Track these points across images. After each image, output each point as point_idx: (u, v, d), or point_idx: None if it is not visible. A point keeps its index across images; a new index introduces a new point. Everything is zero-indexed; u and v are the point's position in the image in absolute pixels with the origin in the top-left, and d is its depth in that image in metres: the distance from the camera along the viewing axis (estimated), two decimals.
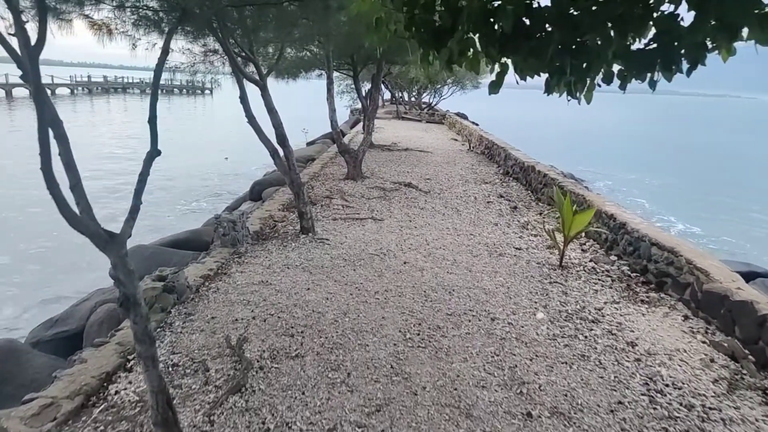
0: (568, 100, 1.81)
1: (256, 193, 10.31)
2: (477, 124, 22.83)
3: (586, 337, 3.80)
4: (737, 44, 1.43)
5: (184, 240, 6.61)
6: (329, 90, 9.19)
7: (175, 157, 20.26)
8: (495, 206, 8.21)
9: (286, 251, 5.45)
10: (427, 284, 4.66)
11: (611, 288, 4.84)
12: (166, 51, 2.76)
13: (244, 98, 5.80)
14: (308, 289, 4.41)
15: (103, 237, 2.10)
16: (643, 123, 63.78)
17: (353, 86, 27.32)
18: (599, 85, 1.73)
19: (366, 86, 18.24)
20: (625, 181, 18.92)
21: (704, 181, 20.47)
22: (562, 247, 5.42)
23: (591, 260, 5.66)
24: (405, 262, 5.23)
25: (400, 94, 33.15)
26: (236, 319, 3.83)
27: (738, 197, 17.70)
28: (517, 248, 5.98)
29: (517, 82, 1.82)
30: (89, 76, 65.01)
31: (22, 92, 44.71)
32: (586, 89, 1.73)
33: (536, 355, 3.48)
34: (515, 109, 74.58)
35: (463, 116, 29.95)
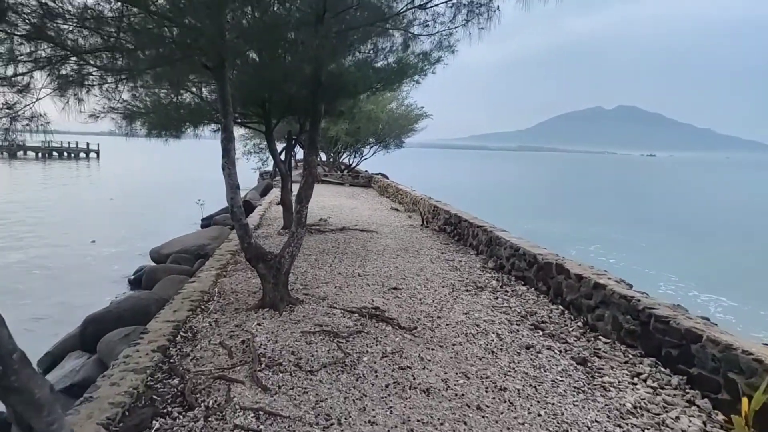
0: None
1: (90, 337, 5.60)
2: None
3: None
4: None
5: None
6: (227, 152, 5.06)
7: (18, 244, 14.49)
8: (546, 360, 4.43)
9: None
10: None
11: None
12: None
13: None
14: None
15: None
16: (557, 177, 66.46)
17: (263, 146, 23.21)
18: None
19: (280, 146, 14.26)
20: (611, 242, 16.54)
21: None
22: None
23: None
24: None
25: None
26: None
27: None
28: None
29: None
30: None
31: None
32: None
33: None
34: (427, 166, 74.89)
35: (385, 176, 27.05)
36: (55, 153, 62.93)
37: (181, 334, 4.55)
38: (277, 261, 5.19)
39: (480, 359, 4.34)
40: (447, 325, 5.17)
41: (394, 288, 6.47)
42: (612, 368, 4.34)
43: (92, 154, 64.53)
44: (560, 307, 6.05)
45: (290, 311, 5.17)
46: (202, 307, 5.34)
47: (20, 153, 60.25)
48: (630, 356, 4.62)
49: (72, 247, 14.77)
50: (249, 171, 25.41)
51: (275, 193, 16.83)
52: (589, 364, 4.40)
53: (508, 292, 6.70)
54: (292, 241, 5.31)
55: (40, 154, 61.13)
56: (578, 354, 4.59)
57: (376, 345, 4.47)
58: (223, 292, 5.94)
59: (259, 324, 4.80)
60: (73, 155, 63.98)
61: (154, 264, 9.69)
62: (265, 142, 15.93)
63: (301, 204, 5.39)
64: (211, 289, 5.97)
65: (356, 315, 5.16)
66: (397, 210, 14.68)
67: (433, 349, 4.48)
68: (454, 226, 10.54)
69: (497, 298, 6.38)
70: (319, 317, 5.05)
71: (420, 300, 6.01)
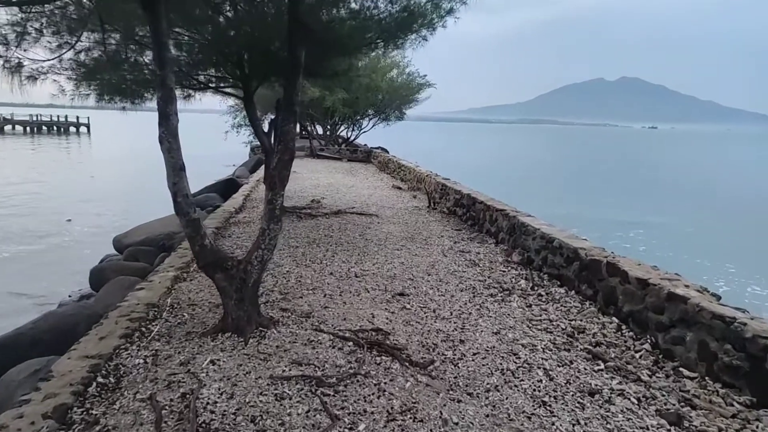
0: None
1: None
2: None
3: None
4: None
5: None
6: (165, 118, 3.57)
7: None
8: (624, 416, 3.06)
9: None
10: None
11: None
12: None
13: None
14: None
15: None
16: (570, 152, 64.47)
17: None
18: None
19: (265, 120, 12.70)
20: (653, 226, 15.19)
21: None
22: None
23: None
24: None
25: (312, 128, 27.87)
26: None
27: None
28: None
29: None
30: None
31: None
32: None
33: None
34: (428, 139, 73.06)
35: (384, 150, 25.43)
36: (44, 127, 61.18)
37: (99, 379, 3.18)
38: (241, 269, 3.77)
39: (529, 418, 2.98)
40: (474, 354, 3.80)
41: (400, 294, 5.09)
42: (720, 431, 2.99)
43: (82, 129, 62.70)
44: (614, 319, 4.68)
45: (260, 338, 3.79)
46: (143, 329, 3.95)
47: (8, 127, 58.51)
48: (735, 404, 3.26)
49: (45, 226, 13.50)
50: (240, 145, 23.81)
51: None
52: (686, 422, 3.04)
53: (542, 296, 5.32)
54: (263, 242, 3.88)
55: (28, 129, 59.34)
56: (665, 405, 3.23)
57: (378, 397, 3.09)
58: (177, 304, 4.55)
59: (213, 362, 3.42)
60: (62, 130, 62.24)
61: (117, 254, 8.30)
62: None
63: (274, 190, 3.94)
64: (162, 300, 4.58)
65: (350, 343, 3.77)
66: (400, 188, 13.21)
67: (459, 401, 3.12)
68: (466, 209, 9.11)
69: (530, 305, 5.01)
70: (299, 348, 3.67)
71: (434, 312, 4.63)
